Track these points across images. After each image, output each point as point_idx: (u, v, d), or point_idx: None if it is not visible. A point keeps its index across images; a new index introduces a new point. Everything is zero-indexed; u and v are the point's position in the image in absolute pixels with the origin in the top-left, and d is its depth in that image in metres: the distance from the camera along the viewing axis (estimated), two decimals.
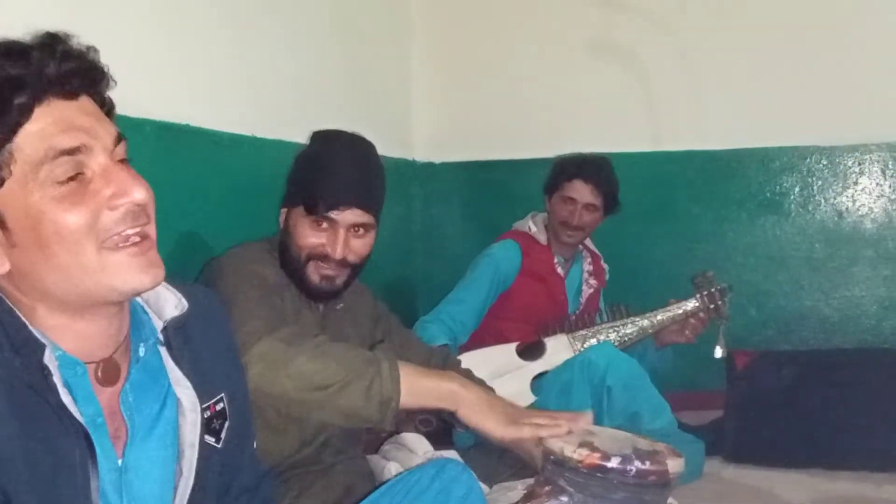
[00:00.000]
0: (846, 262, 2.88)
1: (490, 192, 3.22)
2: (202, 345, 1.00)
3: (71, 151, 0.82)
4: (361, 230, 1.51)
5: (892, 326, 2.84)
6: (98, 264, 0.83)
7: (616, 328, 2.35)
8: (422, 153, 3.27)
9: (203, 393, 0.97)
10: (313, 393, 1.27)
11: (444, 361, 1.75)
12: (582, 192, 2.46)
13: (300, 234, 1.50)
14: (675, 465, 1.21)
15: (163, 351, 0.96)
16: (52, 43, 0.83)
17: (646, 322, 2.36)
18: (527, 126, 3.17)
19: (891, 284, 2.84)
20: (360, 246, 1.52)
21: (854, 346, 2.84)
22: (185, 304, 0.96)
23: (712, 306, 2.36)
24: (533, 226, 2.57)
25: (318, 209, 1.47)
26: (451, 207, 3.27)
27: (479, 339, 2.42)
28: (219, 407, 0.99)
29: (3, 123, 0.80)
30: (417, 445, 1.74)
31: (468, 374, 1.68)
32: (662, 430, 2.11)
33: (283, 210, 1.57)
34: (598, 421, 2.05)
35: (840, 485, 2.23)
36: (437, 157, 3.28)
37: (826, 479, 2.26)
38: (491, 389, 1.51)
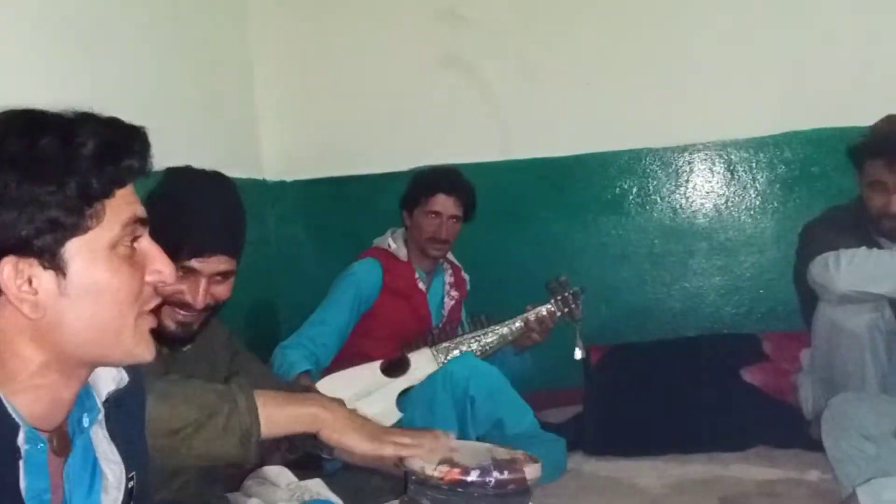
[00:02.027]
0: (684, 255, 3.07)
1: (346, 209, 3.20)
2: (132, 419, 1.01)
3: (143, 221, 0.91)
4: (222, 277, 1.47)
5: (730, 313, 3.05)
6: (133, 330, 0.90)
7: (477, 338, 2.41)
8: (272, 172, 3.21)
9: (129, 468, 0.96)
10: (165, 439, 1.21)
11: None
12: (445, 204, 2.50)
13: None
14: (531, 471, 1.25)
15: (97, 424, 0.95)
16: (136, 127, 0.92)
17: (505, 330, 2.43)
18: (379, 141, 3.19)
19: (725, 273, 3.05)
20: (221, 291, 1.49)
21: (697, 333, 3.02)
22: (125, 376, 0.98)
23: (566, 310, 2.47)
24: (392, 242, 2.59)
25: (179, 257, 1.40)
26: (307, 227, 3.24)
27: (344, 359, 2.41)
28: (130, 484, 0.98)
29: (112, 180, 0.87)
30: (281, 478, 1.69)
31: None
32: (526, 433, 2.18)
33: None
34: (462, 431, 2.11)
35: (692, 468, 2.36)
36: (289, 176, 3.23)
37: (679, 464, 2.39)
38: (353, 411, 1.51)
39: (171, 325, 1.46)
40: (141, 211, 0.91)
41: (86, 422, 0.94)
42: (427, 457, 1.26)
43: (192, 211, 1.46)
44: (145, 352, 0.93)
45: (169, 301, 1.44)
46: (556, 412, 2.80)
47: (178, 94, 2.53)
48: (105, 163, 0.86)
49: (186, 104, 2.59)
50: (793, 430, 2.42)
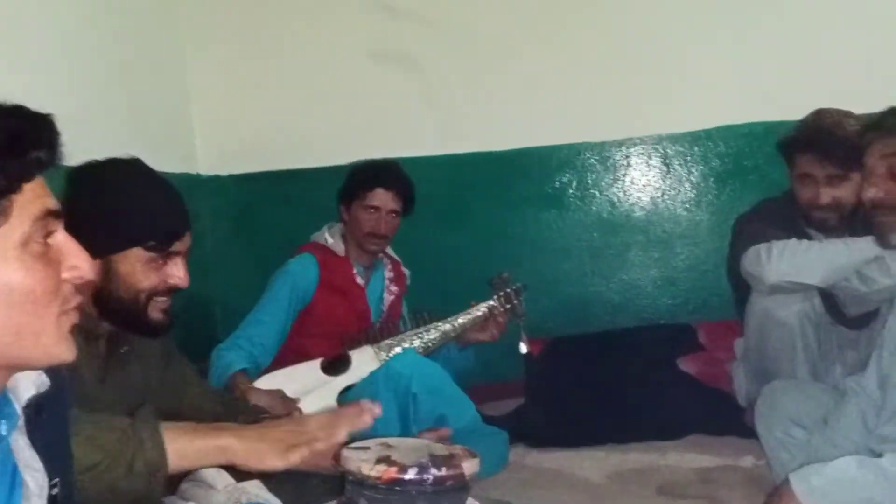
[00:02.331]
0: (622, 248, 3.11)
1: (283, 204, 3.16)
2: (55, 424, 0.96)
3: (56, 214, 0.86)
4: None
5: (666, 304, 3.11)
6: (53, 330, 0.86)
7: (420, 335, 2.39)
8: (207, 166, 3.14)
9: (52, 475, 0.92)
10: (82, 475, 1.15)
11: (232, 407, 1.71)
12: (384, 199, 2.47)
13: (139, 277, 1.43)
14: (470, 466, 1.24)
15: (17, 431, 0.90)
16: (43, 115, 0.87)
17: (448, 326, 2.43)
18: (316, 135, 3.15)
19: (661, 265, 3.11)
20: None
21: (635, 324, 3.07)
22: (45, 380, 0.93)
23: (509, 306, 2.48)
24: (329, 237, 2.55)
25: (163, 245, 1.42)
26: (242, 222, 3.18)
27: (283, 358, 2.37)
28: (54, 491, 0.94)
29: (17, 174, 0.82)
30: (218, 480, 1.65)
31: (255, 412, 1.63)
32: (468, 428, 2.17)
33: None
34: (405, 428, 2.09)
35: (631, 456, 2.40)
36: (224, 170, 3.17)
37: (619, 454, 2.42)
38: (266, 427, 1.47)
39: (158, 316, 1.46)
40: (53, 204, 0.86)
41: (4, 429, 0.89)
42: (364, 455, 1.25)
43: (151, 198, 1.46)
44: (66, 352, 0.89)
45: (155, 293, 1.44)
46: (498, 405, 2.81)
47: (107, 84, 2.46)
48: (9, 156, 0.81)
49: (116, 95, 2.52)
50: (727, 418, 2.47)
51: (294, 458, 1.24)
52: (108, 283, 1.43)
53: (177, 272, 1.46)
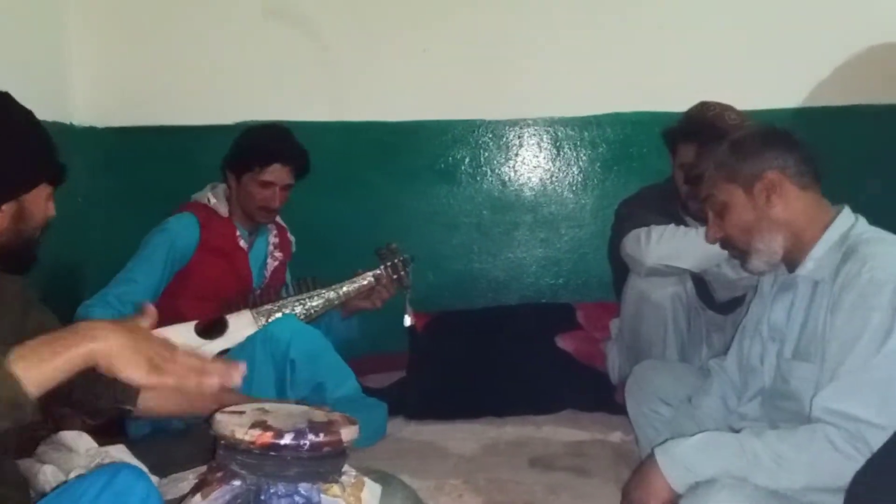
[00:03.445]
0: (509, 226, 3.15)
1: (164, 161, 3.01)
2: None
3: None
4: None
5: (548, 283, 3.18)
6: None
7: (302, 301, 2.34)
8: (82, 117, 2.95)
9: None
10: None
11: None
12: (280, 175, 2.39)
13: (41, 211, 1.46)
14: (348, 433, 1.23)
15: None
16: None
17: (332, 294, 2.38)
18: (201, 91, 3.02)
19: (547, 246, 3.17)
20: None
21: (518, 302, 3.13)
22: None
23: (395, 276, 2.45)
24: (212, 197, 2.45)
25: (62, 177, 1.49)
26: (119, 178, 3.01)
27: (158, 321, 2.25)
28: None
29: None
30: (79, 443, 1.56)
31: None
32: (347, 397, 2.15)
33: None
34: (281, 394, 2.05)
35: (507, 430, 2.45)
36: (101, 122, 2.99)
37: (495, 427, 2.47)
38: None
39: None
40: None
41: None
42: (238, 420, 1.21)
43: (41, 129, 1.45)
44: None
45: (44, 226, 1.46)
46: (381, 377, 2.80)
47: None
48: None
49: None
50: (600, 395, 2.56)
51: (156, 381, 1.13)
52: (17, 225, 1.41)
53: (47, 206, 1.47)
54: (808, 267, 1.54)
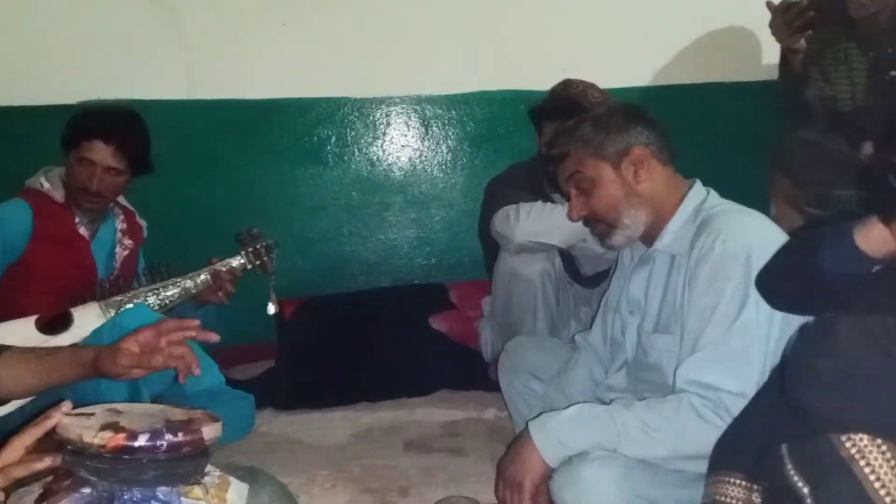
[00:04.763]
0: (380, 207, 3.10)
1: (5, 143, 2.75)
2: None
3: None
4: None
5: (420, 264, 3.15)
6: None
7: (156, 291, 2.18)
8: None
9: None
10: None
11: None
12: (102, 154, 2.18)
13: None
14: (210, 430, 1.15)
15: None
16: None
17: (189, 283, 2.23)
18: (40, 68, 2.78)
19: (418, 226, 3.15)
20: None
21: (390, 283, 3.09)
22: None
23: (258, 262, 2.32)
24: (45, 182, 2.24)
25: None
26: None
27: None
28: None
29: None
30: None
31: None
32: (209, 391, 2.05)
33: None
34: (134, 391, 1.91)
35: (381, 414, 2.43)
36: None
37: (369, 412, 2.44)
38: None
39: None
40: None
41: None
42: (86, 422, 1.11)
43: None
44: None
45: None
46: (248, 368, 2.71)
47: None
48: None
49: None
50: (474, 373, 2.57)
51: None
52: None
53: None
54: (664, 241, 1.59)
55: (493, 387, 2.16)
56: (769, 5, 2.57)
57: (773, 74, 2.69)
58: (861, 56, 2.58)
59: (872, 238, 1.18)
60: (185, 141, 2.76)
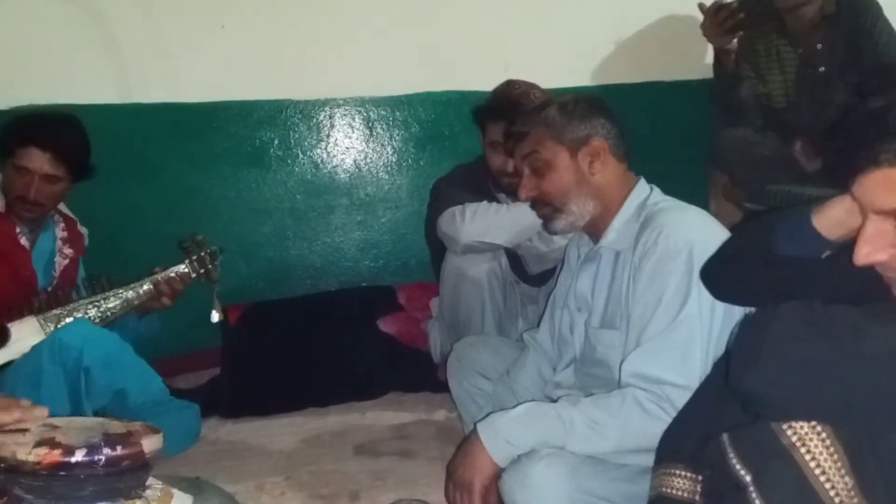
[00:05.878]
0: (325, 210, 3.07)
1: None
2: None
3: None
4: None
5: (367, 266, 3.13)
6: None
7: (96, 303, 2.12)
8: None
9: None
10: None
11: None
12: (38, 161, 2.12)
13: None
14: (150, 443, 1.13)
15: None
16: None
17: (131, 293, 2.17)
18: None
19: (364, 228, 3.12)
20: None
21: (337, 287, 3.06)
22: None
23: (202, 270, 2.28)
24: None
25: None
26: None
27: None
28: None
29: None
30: None
31: None
32: (153, 402, 2.00)
33: None
34: (76, 406, 1.86)
35: (330, 419, 2.40)
36: None
37: (318, 417, 2.41)
38: None
39: None
40: None
41: None
42: (20, 439, 1.07)
43: None
44: None
45: None
46: (192, 377, 2.66)
47: None
48: None
49: None
50: (423, 375, 2.57)
51: None
52: None
53: None
54: (609, 238, 1.61)
55: (443, 388, 2.16)
56: (701, 7, 2.63)
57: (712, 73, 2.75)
58: (792, 53, 2.67)
59: (829, 218, 1.20)
60: (122, 146, 2.69)
